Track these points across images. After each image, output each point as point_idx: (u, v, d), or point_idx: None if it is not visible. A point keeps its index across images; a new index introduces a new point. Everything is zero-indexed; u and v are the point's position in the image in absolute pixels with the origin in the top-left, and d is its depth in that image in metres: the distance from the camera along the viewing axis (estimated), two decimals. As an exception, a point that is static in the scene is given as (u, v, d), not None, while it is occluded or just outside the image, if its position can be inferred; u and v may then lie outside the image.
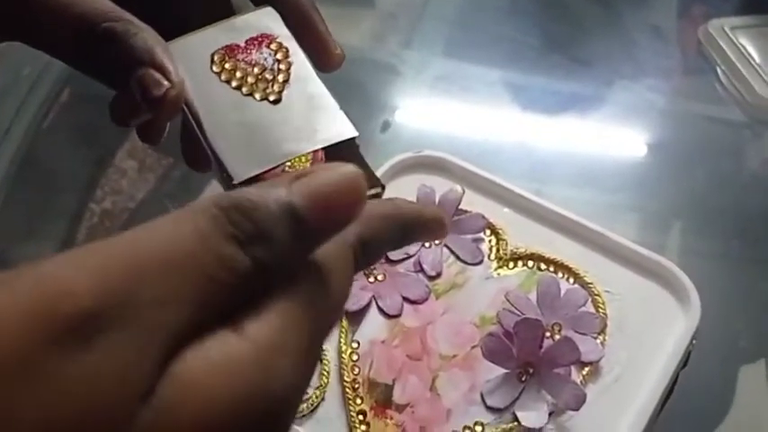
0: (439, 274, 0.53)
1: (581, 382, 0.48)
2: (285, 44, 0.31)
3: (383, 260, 0.53)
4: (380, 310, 0.51)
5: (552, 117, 0.73)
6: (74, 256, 0.19)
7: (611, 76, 0.75)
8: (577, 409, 0.46)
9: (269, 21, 0.32)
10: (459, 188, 0.55)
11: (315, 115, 0.29)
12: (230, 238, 0.20)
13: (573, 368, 0.48)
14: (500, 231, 0.54)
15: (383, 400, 0.47)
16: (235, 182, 0.27)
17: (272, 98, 0.29)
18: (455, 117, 0.73)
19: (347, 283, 0.25)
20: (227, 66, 0.30)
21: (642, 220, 0.65)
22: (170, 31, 0.32)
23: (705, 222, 0.65)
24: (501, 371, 0.47)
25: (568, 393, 0.46)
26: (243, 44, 0.31)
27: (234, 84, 0.30)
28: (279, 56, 0.31)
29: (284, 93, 0.30)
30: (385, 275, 0.52)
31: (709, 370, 0.54)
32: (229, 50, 0.31)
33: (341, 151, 0.29)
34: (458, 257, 0.53)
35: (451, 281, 0.52)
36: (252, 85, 0.30)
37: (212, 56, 0.30)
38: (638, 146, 0.71)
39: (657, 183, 0.67)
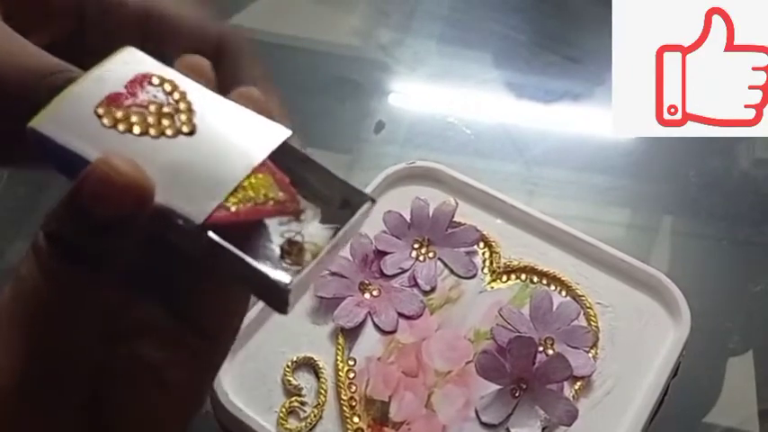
0: (433, 289, 0.53)
1: (573, 396, 0.49)
2: (167, 76, 0.28)
3: (378, 275, 0.53)
4: (376, 326, 0.51)
5: (546, 114, 0.73)
6: None
7: (604, 74, 0.75)
8: (570, 425, 0.47)
9: (136, 60, 0.28)
10: (452, 201, 0.56)
11: (240, 130, 0.27)
12: None
13: (565, 382, 0.49)
14: (493, 244, 0.55)
15: (380, 417, 0.48)
16: (198, 223, 0.25)
17: (185, 129, 0.27)
18: (449, 115, 0.73)
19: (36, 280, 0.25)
20: (118, 115, 0.27)
21: (631, 218, 0.66)
22: None
23: (694, 221, 0.65)
24: (495, 387, 0.48)
25: (561, 409, 0.47)
26: (124, 90, 0.27)
27: (137, 130, 0.26)
28: (167, 88, 0.28)
29: (195, 121, 0.27)
30: (380, 291, 0.53)
31: (698, 371, 0.54)
32: (112, 100, 0.27)
33: (285, 156, 0.27)
34: (452, 271, 0.54)
35: (446, 295, 0.53)
36: (156, 125, 0.27)
37: (96, 112, 0.27)
38: (628, 145, 0.71)
39: (647, 182, 0.68)
